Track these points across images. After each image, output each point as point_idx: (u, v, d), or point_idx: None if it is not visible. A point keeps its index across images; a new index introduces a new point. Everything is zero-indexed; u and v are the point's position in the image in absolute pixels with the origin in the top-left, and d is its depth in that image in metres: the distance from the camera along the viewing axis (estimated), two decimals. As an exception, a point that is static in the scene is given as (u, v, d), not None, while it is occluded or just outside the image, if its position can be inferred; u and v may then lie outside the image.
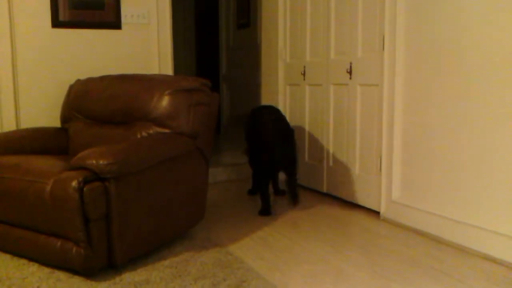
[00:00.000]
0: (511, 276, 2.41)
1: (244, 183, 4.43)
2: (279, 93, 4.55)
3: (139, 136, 2.87)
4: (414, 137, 3.11)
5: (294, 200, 3.61)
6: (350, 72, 3.62)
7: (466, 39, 2.71)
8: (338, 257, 2.67)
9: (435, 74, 2.91)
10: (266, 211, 3.49)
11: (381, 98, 3.31)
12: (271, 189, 4.00)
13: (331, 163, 3.92)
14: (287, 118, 4.47)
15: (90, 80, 3.31)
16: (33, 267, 2.50)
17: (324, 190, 4.03)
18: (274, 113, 3.62)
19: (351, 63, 3.60)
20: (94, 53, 3.83)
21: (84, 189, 2.27)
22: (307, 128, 4.20)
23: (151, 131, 2.86)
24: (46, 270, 2.47)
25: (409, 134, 3.14)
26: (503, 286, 2.30)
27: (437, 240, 2.91)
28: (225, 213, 3.53)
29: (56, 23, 3.71)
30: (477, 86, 2.66)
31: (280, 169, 3.60)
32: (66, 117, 3.32)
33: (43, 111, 3.64)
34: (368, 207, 3.54)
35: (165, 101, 2.86)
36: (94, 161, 2.32)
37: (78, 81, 3.40)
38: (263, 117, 3.56)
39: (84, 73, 3.57)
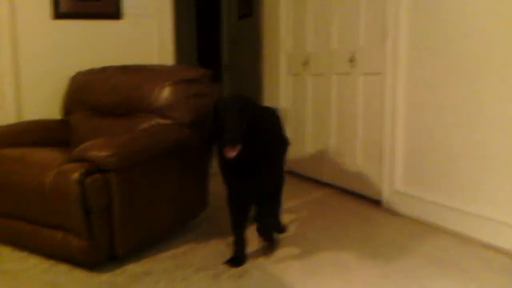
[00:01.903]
0: (511, 264, 2.41)
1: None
2: (281, 83, 4.53)
3: (140, 127, 2.86)
4: (416, 126, 3.09)
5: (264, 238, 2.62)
6: (352, 61, 3.59)
7: (472, 24, 2.68)
8: (339, 247, 2.67)
9: (439, 62, 2.89)
10: (234, 260, 2.48)
11: (384, 87, 3.29)
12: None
13: (332, 153, 3.91)
14: (286, 109, 4.45)
15: (91, 72, 3.30)
16: (35, 260, 2.51)
17: (324, 179, 4.02)
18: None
19: (353, 52, 3.58)
20: (95, 44, 3.81)
21: (85, 181, 2.27)
22: (309, 117, 4.18)
23: (152, 122, 2.85)
24: (48, 262, 2.48)
25: (412, 123, 3.12)
26: (506, 274, 2.30)
27: (439, 229, 2.91)
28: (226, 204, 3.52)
29: (57, 14, 3.70)
30: (484, 73, 2.63)
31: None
32: (67, 109, 3.31)
33: (44, 103, 3.63)
34: (370, 196, 3.53)
35: (165, 92, 2.85)
36: (95, 153, 2.32)
37: (79, 73, 3.39)
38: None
39: (85, 65, 3.55)
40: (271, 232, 2.62)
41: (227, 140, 2.13)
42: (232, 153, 2.15)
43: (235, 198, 2.50)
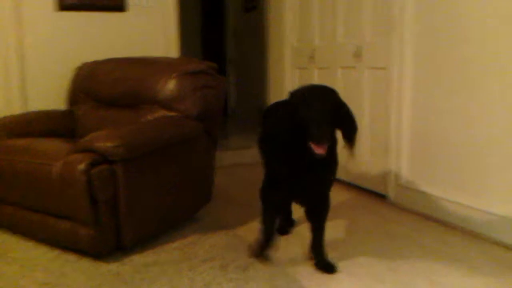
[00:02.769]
0: (519, 259, 2.41)
1: (251, 167, 4.42)
2: (286, 76, 4.52)
3: (146, 119, 2.86)
4: (423, 121, 3.08)
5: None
6: (358, 55, 3.58)
7: (480, 19, 2.67)
8: (345, 241, 2.67)
9: (445, 56, 2.88)
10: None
11: (390, 81, 3.28)
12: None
13: (338, 147, 3.90)
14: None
15: (96, 63, 3.30)
16: (43, 249, 2.52)
17: (331, 174, 4.01)
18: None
19: (359, 46, 3.57)
20: (100, 36, 3.81)
21: (92, 171, 2.27)
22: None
23: (157, 114, 2.85)
24: (55, 251, 2.49)
25: (418, 117, 3.12)
26: (512, 269, 2.30)
27: (446, 225, 2.90)
28: (233, 196, 3.53)
29: (62, 6, 3.69)
30: (491, 68, 2.62)
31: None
32: (73, 100, 3.31)
33: (50, 94, 3.64)
34: (376, 191, 3.53)
35: (171, 84, 2.85)
36: (101, 144, 2.32)
37: (85, 64, 3.39)
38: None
39: (90, 56, 3.55)
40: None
41: (318, 138, 1.96)
42: (322, 150, 1.98)
43: (279, 194, 2.31)
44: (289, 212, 2.85)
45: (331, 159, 2.21)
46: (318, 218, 2.34)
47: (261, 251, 2.39)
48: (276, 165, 2.25)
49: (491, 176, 2.65)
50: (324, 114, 1.98)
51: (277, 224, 2.43)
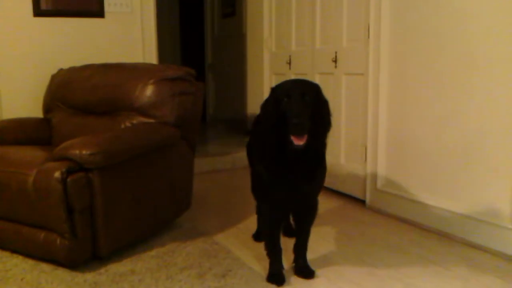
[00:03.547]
0: (494, 262, 2.44)
1: (230, 173, 4.42)
2: (265, 82, 4.53)
3: (123, 126, 2.84)
4: (399, 126, 3.11)
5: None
6: (335, 61, 3.61)
7: (450, 26, 2.71)
8: (324, 245, 2.68)
9: (420, 62, 2.92)
10: (275, 277, 2.24)
11: (366, 87, 3.31)
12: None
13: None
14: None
15: (73, 70, 3.27)
16: (17, 259, 2.47)
17: (310, 179, 4.02)
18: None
19: (336, 52, 3.59)
20: (77, 42, 3.77)
21: (68, 180, 2.24)
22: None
23: (135, 121, 2.83)
24: (30, 262, 2.44)
25: (394, 123, 3.15)
26: (489, 273, 2.32)
27: (422, 228, 2.93)
28: (211, 203, 3.52)
29: (38, 12, 3.65)
30: (464, 74, 2.66)
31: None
32: (49, 107, 3.27)
33: (25, 102, 3.59)
34: (354, 195, 3.55)
35: (149, 91, 2.83)
36: (77, 151, 2.29)
37: (61, 70, 3.35)
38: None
39: (67, 63, 3.51)
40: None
41: (295, 124, 1.92)
42: (300, 141, 1.95)
43: (277, 206, 2.22)
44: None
45: (319, 163, 2.21)
46: (305, 221, 2.32)
47: (277, 272, 2.25)
48: (263, 165, 2.17)
49: (466, 180, 2.69)
50: (304, 105, 1.98)
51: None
